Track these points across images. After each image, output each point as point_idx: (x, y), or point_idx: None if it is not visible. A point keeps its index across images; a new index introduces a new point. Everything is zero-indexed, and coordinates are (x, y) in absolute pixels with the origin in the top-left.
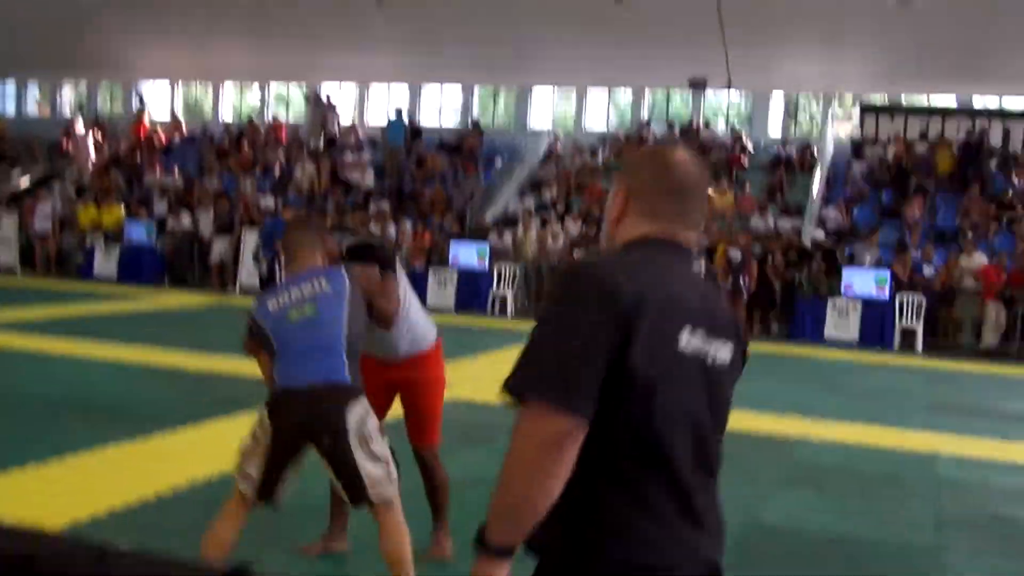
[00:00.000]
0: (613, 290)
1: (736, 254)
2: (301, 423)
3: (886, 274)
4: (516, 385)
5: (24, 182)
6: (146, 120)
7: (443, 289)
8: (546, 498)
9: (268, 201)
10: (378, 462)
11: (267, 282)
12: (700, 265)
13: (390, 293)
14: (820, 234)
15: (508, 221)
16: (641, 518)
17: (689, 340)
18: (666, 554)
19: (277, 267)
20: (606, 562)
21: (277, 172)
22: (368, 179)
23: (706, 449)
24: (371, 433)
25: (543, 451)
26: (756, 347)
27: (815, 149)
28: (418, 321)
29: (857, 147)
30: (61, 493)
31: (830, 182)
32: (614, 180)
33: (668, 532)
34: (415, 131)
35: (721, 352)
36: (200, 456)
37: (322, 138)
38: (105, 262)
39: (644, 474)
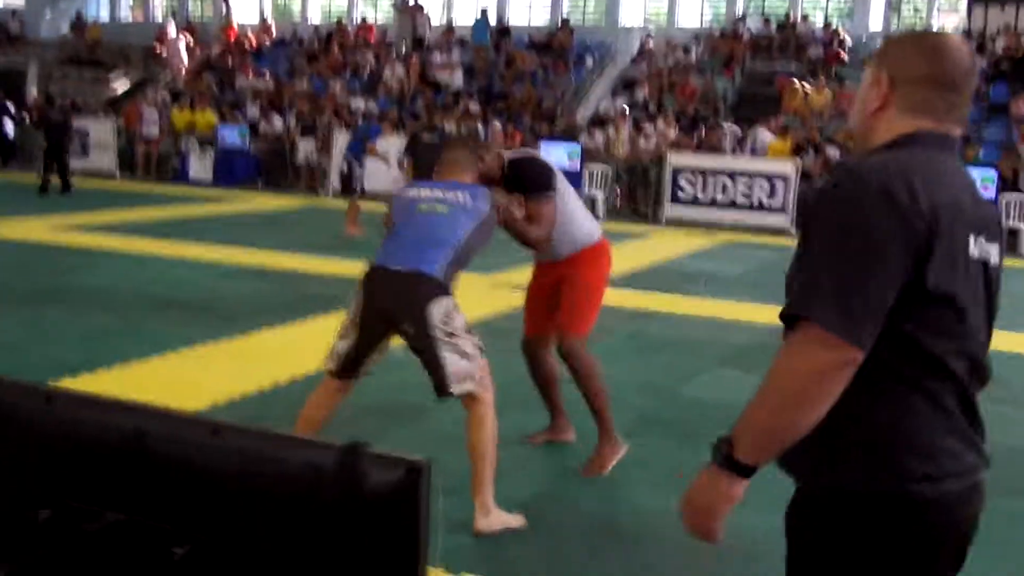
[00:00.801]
0: (907, 200)
1: (834, 152)
2: (384, 307)
3: (992, 173)
4: (799, 309)
5: (120, 87)
6: (235, 23)
7: None
8: (810, 423)
9: (358, 102)
10: (464, 357)
11: (347, 183)
12: (799, 162)
13: (543, 218)
14: None
15: (599, 121)
16: (938, 429)
17: (974, 248)
18: (961, 460)
19: (359, 170)
20: (907, 475)
21: (367, 74)
22: (457, 79)
23: (983, 359)
24: (458, 329)
25: (815, 379)
26: None
27: None
28: (578, 223)
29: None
30: (162, 388)
31: None
32: (869, 66)
33: (962, 440)
34: (503, 30)
35: (994, 256)
36: (298, 353)
37: (411, 39)
38: (200, 165)
39: (936, 386)
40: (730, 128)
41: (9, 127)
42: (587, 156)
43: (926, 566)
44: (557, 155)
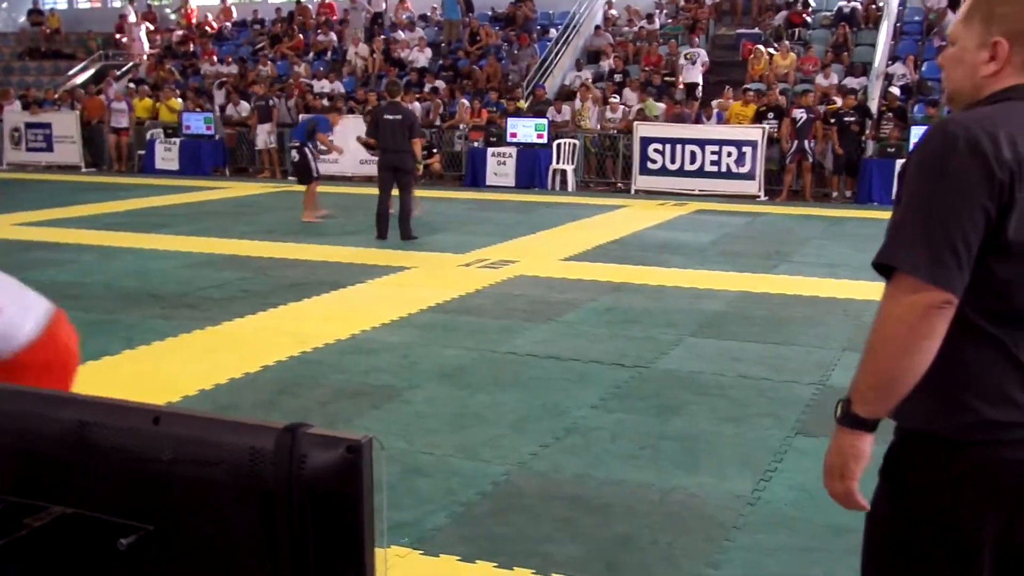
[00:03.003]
0: (991, 150)
1: (800, 115)
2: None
3: None
4: (886, 257)
5: (80, 77)
6: (193, 6)
7: (502, 166)
8: (917, 371)
9: (323, 85)
10: None
11: (299, 169)
12: (765, 128)
13: None
14: (891, 91)
15: (566, 94)
16: (1010, 380)
17: None
18: None
19: (310, 156)
20: (975, 419)
21: (330, 55)
22: (422, 57)
23: None
24: None
25: (913, 326)
26: (820, 211)
27: (880, 2)
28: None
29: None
30: (136, 382)
31: (896, 36)
32: (971, 22)
33: None
34: (468, 4)
35: None
36: (270, 340)
37: (369, 18)
38: (166, 155)
39: (1011, 337)
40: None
41: None
42: (555, 130)
43: (987, 514)
44: (525, 130)
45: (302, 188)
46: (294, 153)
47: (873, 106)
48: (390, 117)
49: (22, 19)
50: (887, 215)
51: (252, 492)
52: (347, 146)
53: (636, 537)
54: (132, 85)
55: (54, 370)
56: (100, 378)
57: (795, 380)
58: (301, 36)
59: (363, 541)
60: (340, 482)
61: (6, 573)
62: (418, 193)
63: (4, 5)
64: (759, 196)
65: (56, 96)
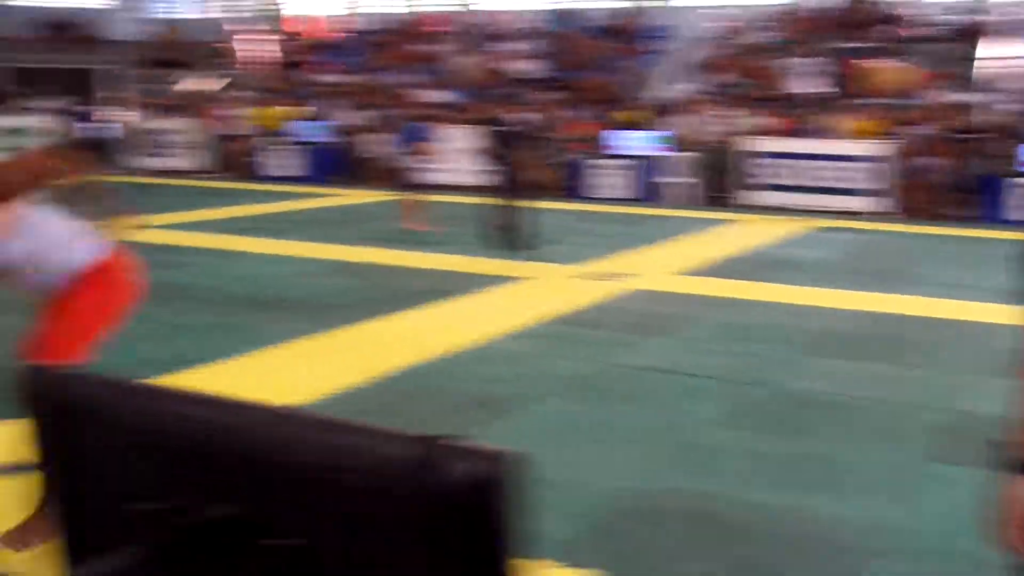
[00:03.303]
0: None
1: (918, 131)
2: None
3: None
4: None
5: (196, 85)
6: (305, 17)
7: (609, 179)
8: None
9: (433, 95)
10: None
11: (398, 178)
12: (893, 144)
13: None
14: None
15: (674, 107)
16: None
17: None
18: None
19: (409, 165)
20: None
21: (439, 65)
22: (529, 68)
23: None
24: None
25: None
26: (938, 230)
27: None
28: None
29: None
30: (258, 384)
31: None
32: None
33: None
34: (573, 15)
35: None
36: (389, 347)
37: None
38: (282, 162)
39: None
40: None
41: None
42: (663, 142)
43: None
44: (633, 143)
45: (403, 196)
46: (395, 161)
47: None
48: (506, 129)
49: (143, 28)
50: (1006, 235)
51: (391, 503)
52: (457, 156)
53: (765, 560)
54: (248, 93)
55: (106, 285)
56: (221, 380)
57: (922, 404)
58: (412, 47)
59: (502, 555)
60: (480, 494)
61: (169, 569)
62: (527, 204)
63: (126, 15)
64: (878, 213)
65: (177, 104)
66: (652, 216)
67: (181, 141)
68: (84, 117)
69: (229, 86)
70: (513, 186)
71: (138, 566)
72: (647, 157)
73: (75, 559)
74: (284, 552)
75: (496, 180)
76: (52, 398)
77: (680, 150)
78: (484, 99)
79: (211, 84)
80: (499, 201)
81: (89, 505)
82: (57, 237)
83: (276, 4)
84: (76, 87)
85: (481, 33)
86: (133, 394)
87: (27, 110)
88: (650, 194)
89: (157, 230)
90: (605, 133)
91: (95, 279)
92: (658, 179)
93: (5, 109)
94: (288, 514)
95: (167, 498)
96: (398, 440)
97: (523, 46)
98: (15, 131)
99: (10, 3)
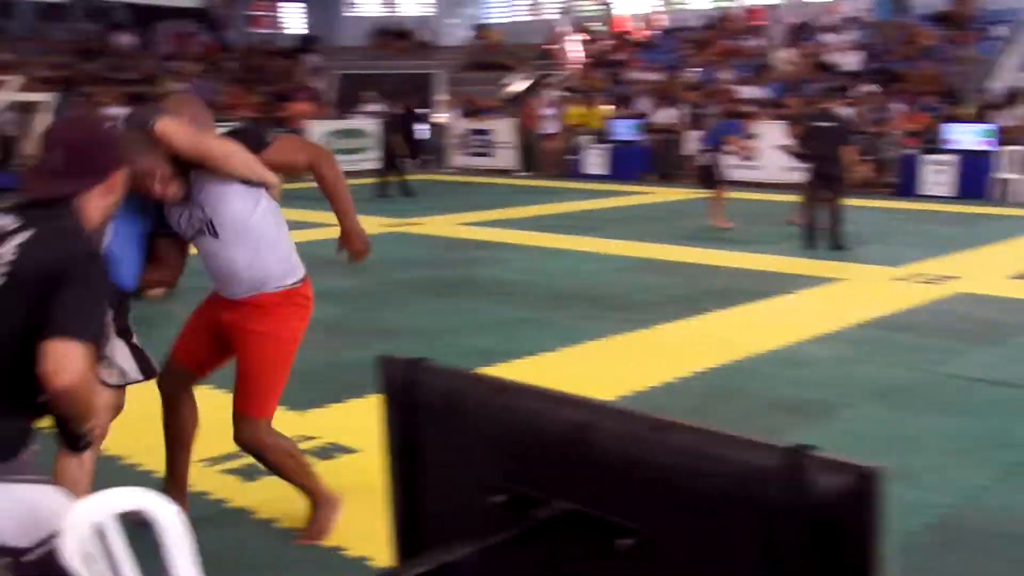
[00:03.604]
0: None
1: None
2: None
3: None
4: None
5: (517, 87)
6: (622, 16)
7: (940, 175)
8: None
9: (748, 91)
10: None
11: (704, 174)
12: None
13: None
14: None
15: (1013, 97)
16: None
17: None
18: None
19: (717, 162)
20: None
21: (755, 60)
22: (852, 60)
23: None
24: None
25: None
26: None
27: None
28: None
29: None
30: (571, 379)
31: None
32: None
33: None
34: (902, 4)
35: None
36: (699, 346)
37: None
38: (595, 160)
39: None
40: None
41: (421, 130)
42: (1002, 135)
43: None
44: (965, 137)
45: (709, 194)
46: (702, 158)
47: None
48: (822, 124)
49: (468, 33)
50: None
51: (752, 511)
52: (768, 152)
53: None
54: (564, 93)
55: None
56: (536, 372)
57: None
58: (727, 42)
59: (869, 574)
60: (849, 510)
61: (515, 559)
62: (846, 202)
63: (452, 21)
64: None
65: (495, 105)
66: (984, 215)
67: (502, 141)
68: (416, 119)
69: (551, 86)
70: (828, 183)
71: (483, 556)
72: (979, 152)
73: (411, 547)
74: (630, 551)
75: (810, 177)
76: (399, 386)
77: (1017, 144)
78: (802, 93)
79: (534, 85)
80: (813, 199)
81: (428, 494)
82: (282, 243)
83: (607, 3)
84: (410, 91)
85: (800, 25)
86: (480, 386)
87: (362, 114)
88: (982, 191)
89: (478, 227)
90: (939, 127)
91: (300, 304)
92: (994, 175)
93: (343, 113)
94: (633, 513)
95: (509, 491)
96: (760, 448)
97: (846, 37)
98: (351, 133)
99: (348, 14)
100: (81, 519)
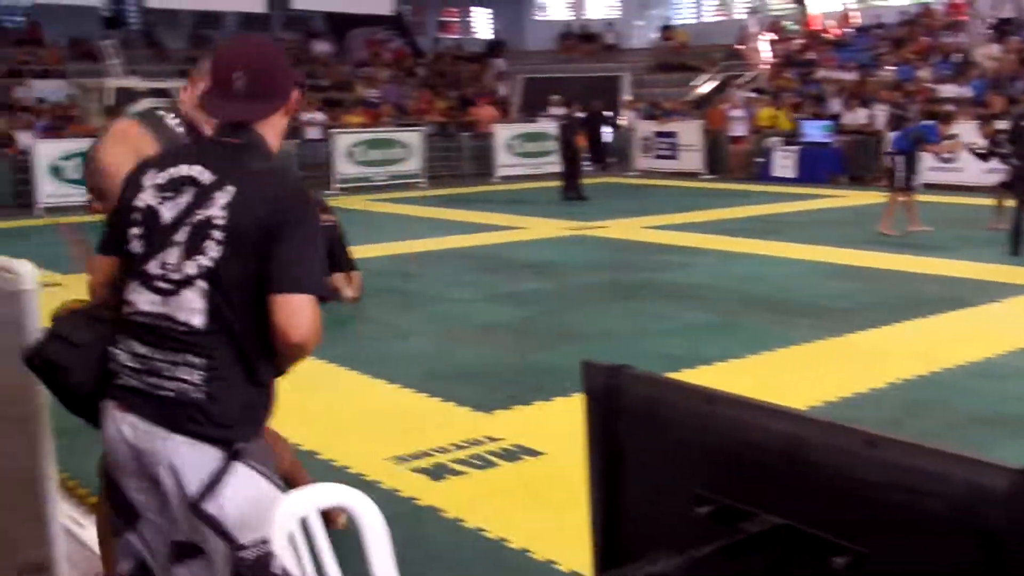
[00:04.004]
0: None
1: None
2: None
3: None
4: None
5: (704, 88)
6: (814, 15)
7: None
8: None
9: (948, 89)
10: None
11: (888, 176)
12: None
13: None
14: None
15: None
16: None
17: None
18: None
19: (902, 166)
20: None
21: (957, 57)
22: None
23: None
24: None
25: None
26: None
27: None
28: None
29: None
30: (757, 387)
31: None
32: None
33: None
34: None
35: None
36: (895, 356)
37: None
38: (783, 162)
39: None
40: None
41: (606, 133)
42: None
43: None
44: None
45: (906, 197)
46: (888, 160)
47: None
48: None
49: (655, 35)
50: None
51: (975, 534)
52: (971, 153)
53: None
54: (752, 94)
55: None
56: (724, 379)
57: None
58: (926, 39)
59: None
60: None
61: (721, 573)
62: None
63: (639, 23)
64: None
65: (681, 107)
66: None
67: (687, 143)
68: (602, 122)
69: (739, 87)
70: None
71: (689, 568)
72: None
73: (611, 554)
74: (844, 570)
75: (1011, 179)
76: (602, 391)
77: None
78: (1006, 91)
79: (721, 86)
80: (1019, 202)
81: (630, 501)
82: None
83: (802, 1)
84: (595, 94)
85: (1005, 19)
86: (685, 394)
87: (547, 117)
88: None
89: (663, 230)
90: None
91: None
92: None
93: (528, 117)
94: (846, 530)
95: (715, 502)
96: (985, 468)
97: None
98: (536, 136)
99: (535, 18)
100: (289, 513)
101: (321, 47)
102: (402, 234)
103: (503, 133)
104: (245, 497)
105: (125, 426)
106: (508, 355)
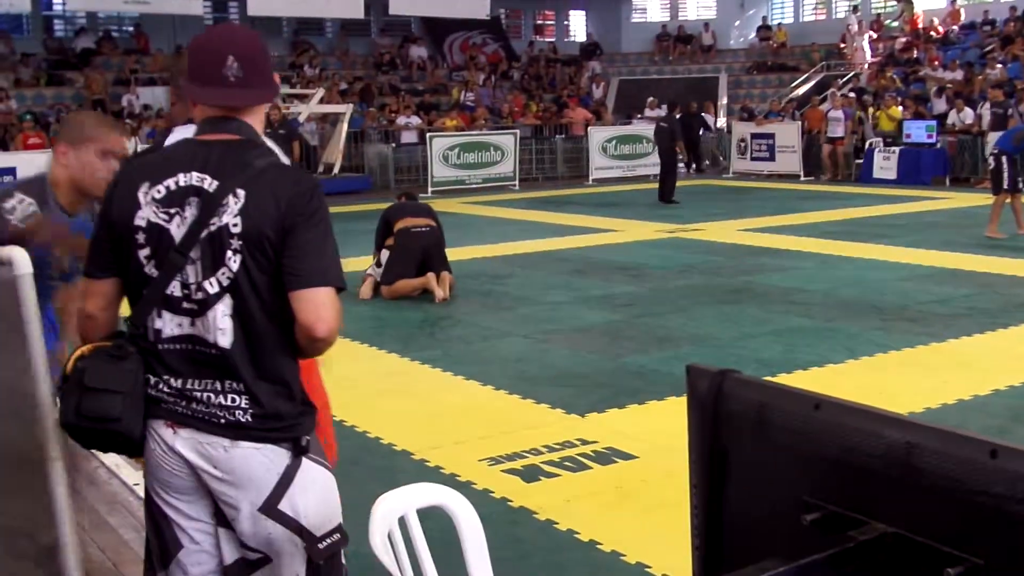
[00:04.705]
0: None
1: None
2: None
3: None
4: None
5: (803, 88)
6: (918, 12)
7: None
8: None
9: None
10: None
11: (993, 178)
12: None
13: None
14: None
15: None
16: None
17: None
18: None
19: (1005, 166)
20: None
21: None
22: None
23: None
24: None
25: None
26: None
27: None
28: None
29: None
30: (853, 393)
31: None
32: None
33: None
34: None
35: None
36: (1002, 363)
37: None
38: (884, 163)
39: None
40: None
41: (703, 135)
42: None
43: None
44: None
45: (1012, 199)
46: (991, 160)
47: None
48: None
49: (752, 35)
50: None
51: None
52: None
53: None
54: (852, 95)
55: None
56: (821, 384)
57: None
58: None
59: None
60: None
61: None
62: None
63: (737, 23)
64: None
65: (779, 108)
66: None
67: (784, 145)
68: (699, 124)
69: (839, 87)
70: None
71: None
72: None
73: (714, 560)
74: None
75: None
76: (706, 395)
77: None
78: None
79: (820, 86)
80: None
81: (733, 506)
82: None
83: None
84: (692, 96)
85: None
86: (792, 399)
87: (643, 119)
88: None
89: (760, 233)
90: None
91: None
92: None
93: (624, 119)
94: (959, 541)
95: (823, 509)
96: None
97: None
98: (631, 139)
99: (632, 20)
100: (388, 512)
101: (418, 51)
102: (495, 237)
103: (597, 135)
104: (315, 491)
105: (179, 441)
106: (601, 358)
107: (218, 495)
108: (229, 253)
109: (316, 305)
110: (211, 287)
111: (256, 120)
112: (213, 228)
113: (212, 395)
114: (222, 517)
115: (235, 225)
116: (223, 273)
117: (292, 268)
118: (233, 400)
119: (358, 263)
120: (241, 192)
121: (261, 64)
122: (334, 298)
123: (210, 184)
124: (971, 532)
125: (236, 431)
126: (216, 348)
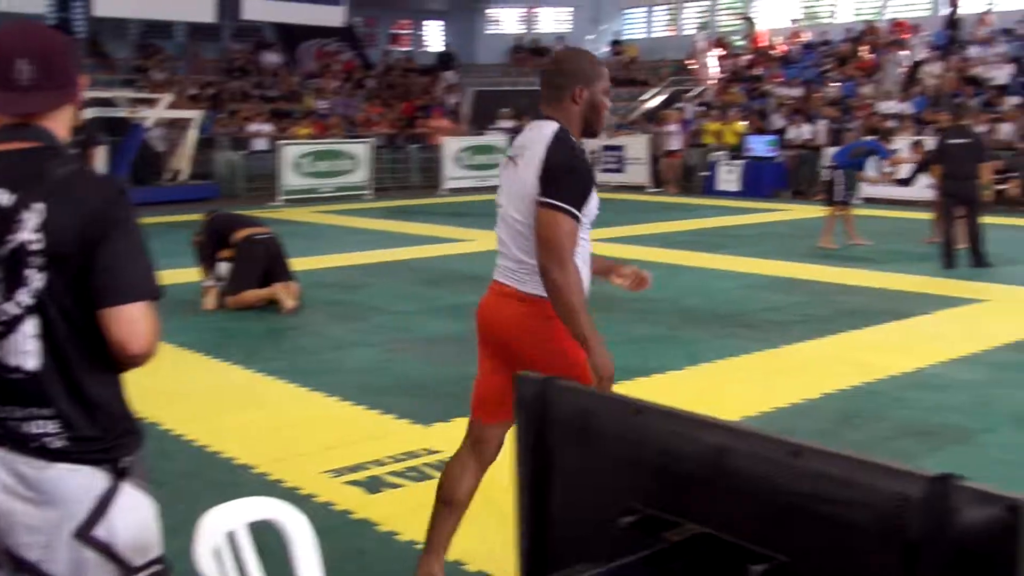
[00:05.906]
0: None
1: None
2: None
3: None
4: None
5: (653, 103)
6: (761, 32)
7: None
8: None
9: (890, 105)
10: None
11: (825, 190)
12: None
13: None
14: None
15: None
16: None
17: None
18: None
19: (839, 181)
20: None
21: (900, 74)
22: (1002, 74)
23: None
24: None
25: None
26: None
27: None
28: None
29: None
30: (693, 399)
31: None
32: None
33: None
34: None
35: None
36: (829, 367)
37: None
38: (727, 176)
39: None
40: None
41: None
42: None
43: None
44: None
45: (828, 211)
46: (826, 173)
47: None
48: (957, 141)
49: (604, 49)
50: None
51: (895, 540)
52: (908, 169)
53: None
54: (700, 108)
55: None
56: (665, 391)
57: None
58: (871, 56)
59: None
60: (994, 543)
61: None
62: (990, 220)
63: (590, 38)
64: None
65: (629, 120)
66: None
67: (634, 157)
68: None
69: (686, 102)
70: (962, 201)
71: None
72: None
73: (537, 565)
74: None
75: (948, 194)
76: (532, 403)
77: None
78: (946, 108)
79: (669, 100)
80: (951, 216)
81: (557, 511)
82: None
83: (750, 18)
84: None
85: (949, 38)
86: (614, 406)
87: (497, 130)
88: None
89: (605, 243)
90: None
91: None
92: None
93: (478, 129)
94: (767, 539)
95: (640, 512)
96: (904, 476)
97: (996, 49)
98: (485, 149)
99: (487, 32)
100: (215, 527)
101: (271, 58)
102: (347, 246)
103: (452, 145)
104: (135, 518)
105: None
106: (448, 368)
107: (23, 524)
108: (31, 271)
109: (127, 322)
110: (14, 308)
111: (59, 124)
112: (10, 246)
113: (20, 422)
114: (18, 564)
115: (36, 242)
116: (24, 295)
117: (100, 284)
118: (42, 427)
119: (200, 273)
120: (39, 205)
121: (60, 63)
122: (147, 312)
123: (9, 198)
124: (777, 530)
125: (52, 454)
126: (21, 372)
